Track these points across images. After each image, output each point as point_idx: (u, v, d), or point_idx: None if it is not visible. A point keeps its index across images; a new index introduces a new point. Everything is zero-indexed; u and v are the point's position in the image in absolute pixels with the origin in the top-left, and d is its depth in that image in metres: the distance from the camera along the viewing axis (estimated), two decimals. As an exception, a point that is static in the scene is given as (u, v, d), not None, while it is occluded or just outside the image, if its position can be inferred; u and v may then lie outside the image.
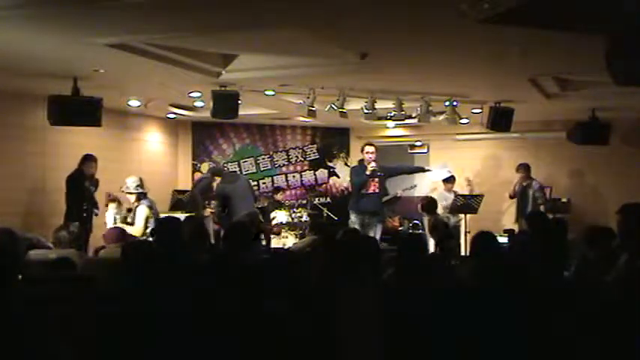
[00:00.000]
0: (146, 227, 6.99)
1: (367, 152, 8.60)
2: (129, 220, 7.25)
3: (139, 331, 3.17)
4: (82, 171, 8.09)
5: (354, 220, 8.69)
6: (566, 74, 7.62)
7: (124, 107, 9.44)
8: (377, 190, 8.67)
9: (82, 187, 8.03)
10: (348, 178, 11.96)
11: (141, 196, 7.22)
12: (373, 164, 8.48)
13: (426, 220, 8.72)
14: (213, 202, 9.47)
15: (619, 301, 3.62)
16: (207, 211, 9.54)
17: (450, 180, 10.61)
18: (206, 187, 9.89)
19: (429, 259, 4.72)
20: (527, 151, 10.94)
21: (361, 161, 8.83)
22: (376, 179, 8.60)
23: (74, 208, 7.87)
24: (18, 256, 4.00)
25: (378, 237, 8.12)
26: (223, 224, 8.84)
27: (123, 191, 7.33)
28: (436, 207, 8.68)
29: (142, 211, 7.09)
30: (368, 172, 8.49)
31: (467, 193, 10.37)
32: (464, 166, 11.30)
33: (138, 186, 7.23)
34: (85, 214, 7.91)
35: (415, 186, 11.10)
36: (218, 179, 9.07)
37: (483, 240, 4.74)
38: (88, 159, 8.17)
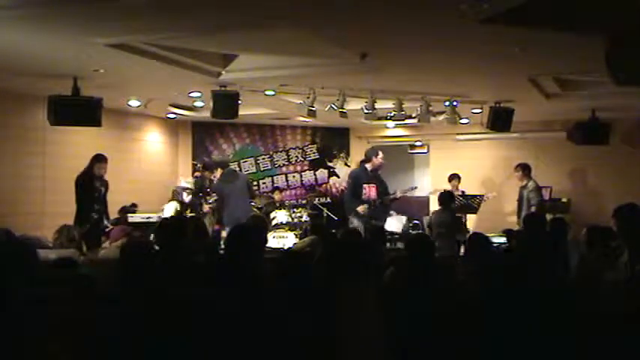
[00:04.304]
0: None
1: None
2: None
3: (138, 332, 3.17)
4: (91, 171, 7.88)
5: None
6: (566, 74, 7.62)
7: (124, 107, 9.45)
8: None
9: (91, 187, 7.84)
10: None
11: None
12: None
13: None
14: (209, 198, 9.51)
15: (619, 301, 3.62)
16: (206, 208, 9.55)
17: (454, 178, 10.61)
18: (199, 186, 9.92)
19: (436, 260, 4.73)
20: (527, 151, 10.94)
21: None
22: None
23: (84, 210, 7.68)
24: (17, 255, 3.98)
25: None
26: (222, 223, 8.86)
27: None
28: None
29: None
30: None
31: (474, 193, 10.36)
32: (464, 166, 11.31)
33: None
34: (95, 216, 7.77)
35: (416, 187, 11.08)
36: (219, 172, 9.09)
37: (476, 242, 4.77)
38: (99, 159, 7.92)
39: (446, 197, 8.32)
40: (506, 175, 10.77)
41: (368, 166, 8.93)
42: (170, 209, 9.00)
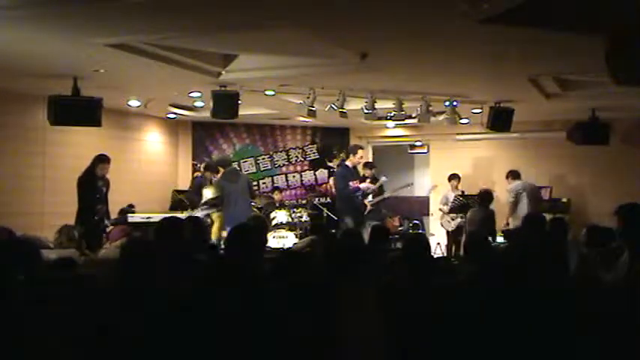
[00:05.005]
0: None
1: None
2: None
3: (138, 332, 3.17)
4: (93, 171, 7.90)
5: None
6: (566, 74, 7.62)
7: (124, 107, 9.45)
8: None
9: (94, 187, 7.87)
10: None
11: None
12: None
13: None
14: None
15: (619, 301, 3.62)
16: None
17: (454, 178, 10.61)
18: (199, 186, 9.89)
19: (434, 259, 4.73)
20: (527, 151, 10.94)
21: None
22: None
23: (85, 210, 7.72)
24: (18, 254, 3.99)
25: None
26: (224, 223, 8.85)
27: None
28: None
29: None
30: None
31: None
32: (464, 166, 11.31)
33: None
34: (96, 216, 7.78)
35: (412, 184, 11.00)
36: (221, 171, 9.05)
37: (476, 242, 4.78)
38: (102, 160, 7.95)
39: (483, 195, 8.64)
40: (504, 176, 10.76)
41: (348, 163, 9.16)
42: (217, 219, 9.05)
